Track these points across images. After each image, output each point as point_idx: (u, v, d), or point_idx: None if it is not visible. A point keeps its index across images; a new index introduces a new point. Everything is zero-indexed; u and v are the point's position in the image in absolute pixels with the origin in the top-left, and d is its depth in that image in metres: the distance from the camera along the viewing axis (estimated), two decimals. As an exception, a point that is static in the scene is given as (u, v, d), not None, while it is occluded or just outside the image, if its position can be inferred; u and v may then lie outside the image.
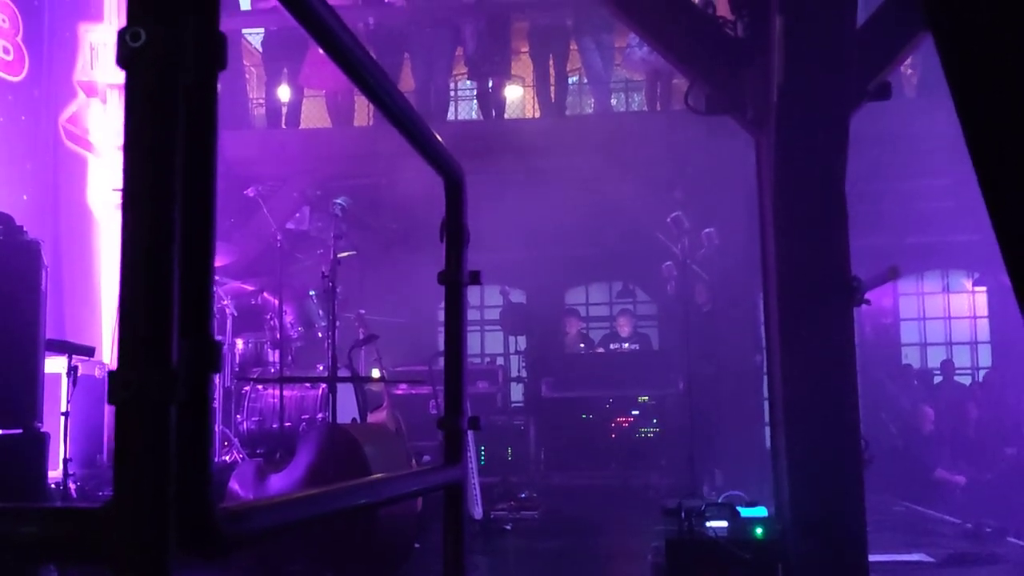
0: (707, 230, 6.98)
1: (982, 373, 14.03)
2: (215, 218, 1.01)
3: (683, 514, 3.95)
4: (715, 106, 4.45)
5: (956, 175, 10.62)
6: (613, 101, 11.50)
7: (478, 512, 6.98)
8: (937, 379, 13.46)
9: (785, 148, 4.12)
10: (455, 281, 2.18)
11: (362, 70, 1.55)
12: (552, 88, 10.18)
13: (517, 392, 12.76)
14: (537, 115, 10.64)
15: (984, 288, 14.43)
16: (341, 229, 5.78)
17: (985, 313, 14.62)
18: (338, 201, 5.81)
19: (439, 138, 2.11)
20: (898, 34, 4.21)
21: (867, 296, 4.26)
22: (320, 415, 6.85)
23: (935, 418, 10.67)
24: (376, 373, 7.03)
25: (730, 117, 4.48)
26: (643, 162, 9.52)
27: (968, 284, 14.67)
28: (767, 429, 10.78)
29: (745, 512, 4.05)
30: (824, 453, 4.05)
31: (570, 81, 11.24)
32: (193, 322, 0.94)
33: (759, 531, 3.93)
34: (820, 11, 3.87)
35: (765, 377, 10.31)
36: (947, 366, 13.46)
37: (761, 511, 4.08)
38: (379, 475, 1.61)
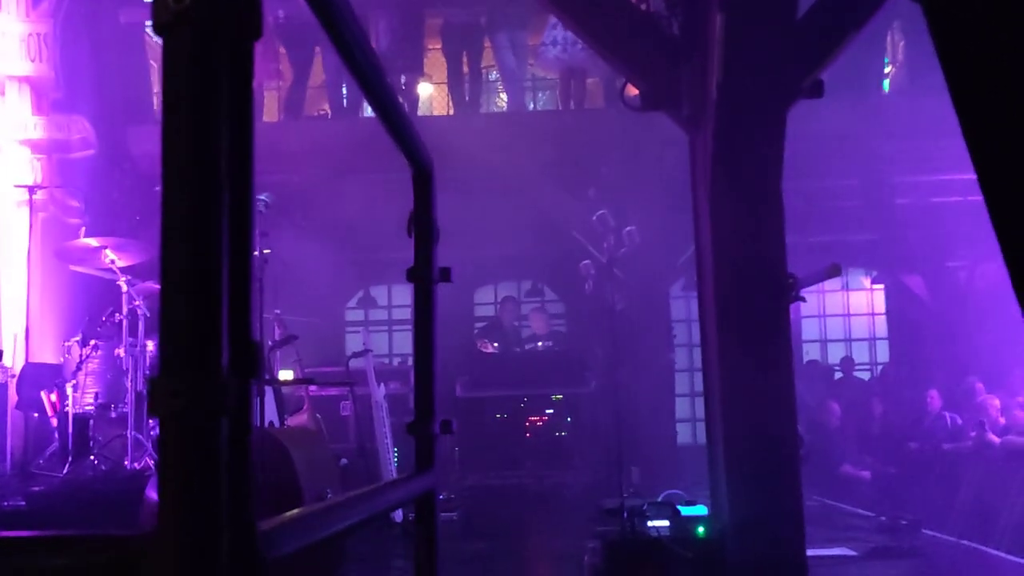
0: (628, 228, 6.98)
1: (879, 369, 14.39)
2: (254, 203, 0.90)
3: (625, 514, 3.90)
4: (650, 103, 4.42)
5: (859, 175, 10.88)
6: (527, 99, 11.48)
7: (398, 515, 6.85)
8: (837, 375, 13.76)
9: (722, 145, 4.11)
10: (425, 278, 2.08)
11: (355, 47, 1.45)
12: (466, 85, 10.09)
13: (429, 392, 12.59)
14: (450, 112, 10.53)
15: (882, 286, 14.81)
16: (264, 226, 5.59)
17: (883, 310, 15.01)
18: (261, 197, 5.61)
19: (411, 123, 2.00)
20: (831, 32, 4.23)
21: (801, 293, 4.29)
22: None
23: (840, 413, 10.87)
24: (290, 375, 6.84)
25: (665, 114, 4.45)
26: (556, 161, 9.50)
27: (867, 282, 15.03)
28: (679, 426, 10.92)
29: (686, 511, 4.03)
30: (762, 451, 4.05)
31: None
32: (237, 322, 0.84)
33: (701, 530, 3.91)
34: (760, 7, 3.87)
35: (677, 375, 10.44)
36: (847, 362, 13.75)
37: (701, 510, 4.06)
38: (380, 484, 1.50)
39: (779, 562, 3.96)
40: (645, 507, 4.01)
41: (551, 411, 10.10)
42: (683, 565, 3.79)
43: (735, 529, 3.98)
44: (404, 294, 12.76)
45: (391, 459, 7.23)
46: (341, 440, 8.43)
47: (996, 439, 8.85)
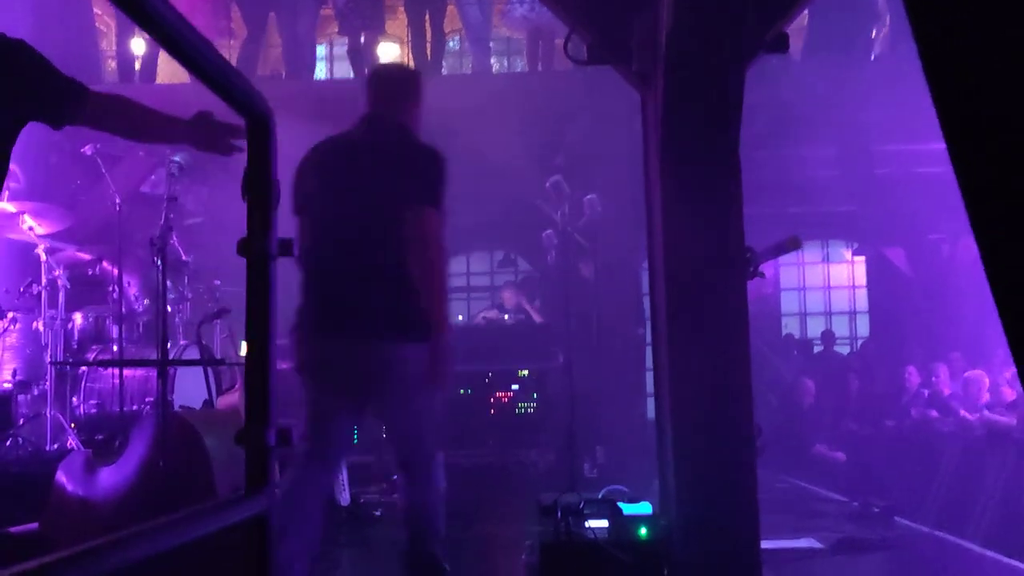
0: (588, 196, 6.58)
1: (860, 343, 14.09)
2: None
3: (559, 513, 3.51)
4: (597, 56, 3.99)
5: (840, 144, 10.48)
6: (492, 61, 11.00)
7: (345, 498, 6.47)
8: (817, 349, 13.44)
9: (674, 102, 3.69)
10: (260, 252, 1.66)
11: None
12: (428, 45, 9.61)
13: (394, 365, 12.20)
14: (412, 74, 10.05)
15: (863, 258, 14.47)
16: (175, 190, 5.10)
17: (863, 283, 14.68)
18: (175, 159, 5.13)
19: (235, 69, 1.58)
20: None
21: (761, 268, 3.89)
22: (171, 397, 6.21)
23: (816, 390, 10.55)
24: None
25: (614, 69, 4.03)
26: (524, 125, 9.06)
27: (847, 254, 14.70)
28: (650, 401, 10.54)
29: (628, 509, 3.64)
30: (714, 443, 3.66)
31: (449, 45, 10.70)
32: None
33: (643, 531, 3.53)
34: (715, -53, 3.44)
35: (649, 349, 10.07)
36: (827, 336, 13.44)
37: (645, 507, 3.68)
38: (111, 538, 1.07)
39: (728, 564, 3.59)
40: (583, 505, 3.63)
41: (516, 387, 9.73)
42: (621, 570, 3.41)
43: (682, 528, 3.60)
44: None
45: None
46: (296, 416, 8.03)
47: (971, 416, 8.52)
